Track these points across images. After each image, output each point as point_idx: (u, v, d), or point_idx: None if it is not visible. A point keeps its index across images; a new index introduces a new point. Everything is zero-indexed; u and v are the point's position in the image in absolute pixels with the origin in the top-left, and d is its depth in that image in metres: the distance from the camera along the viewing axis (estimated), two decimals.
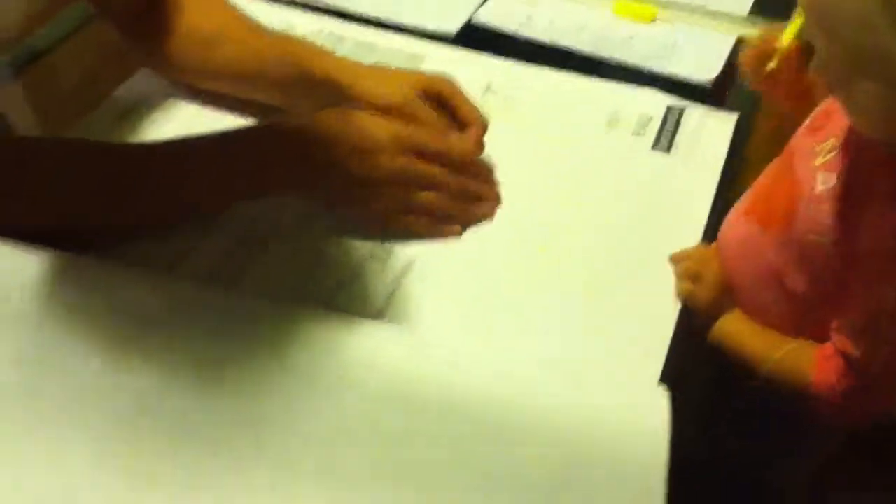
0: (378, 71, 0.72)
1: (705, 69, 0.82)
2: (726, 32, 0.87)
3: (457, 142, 0.66)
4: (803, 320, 0.62)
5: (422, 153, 0.64)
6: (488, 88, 0.80)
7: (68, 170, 0.59)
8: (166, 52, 0.73)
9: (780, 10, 0.88)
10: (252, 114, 0.74)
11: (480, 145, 0.68)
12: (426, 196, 0.64)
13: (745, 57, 0.66)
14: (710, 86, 0.81)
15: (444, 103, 0.69)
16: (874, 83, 0.48)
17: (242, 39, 0.72)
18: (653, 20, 0.88)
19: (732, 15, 0.89)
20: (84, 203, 0.59)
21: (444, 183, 0.65)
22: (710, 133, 0.76)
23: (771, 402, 0.67)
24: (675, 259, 0.65)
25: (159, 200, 0.61)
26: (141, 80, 0.78)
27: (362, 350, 0.54)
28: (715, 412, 0.69)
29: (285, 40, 0.74)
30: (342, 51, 0.82)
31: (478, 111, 0.69)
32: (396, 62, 0.79)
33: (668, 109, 0.78)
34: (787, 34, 0.63)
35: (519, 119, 0.77)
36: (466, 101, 0.70)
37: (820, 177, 0.57)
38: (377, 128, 0.62)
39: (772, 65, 0.63)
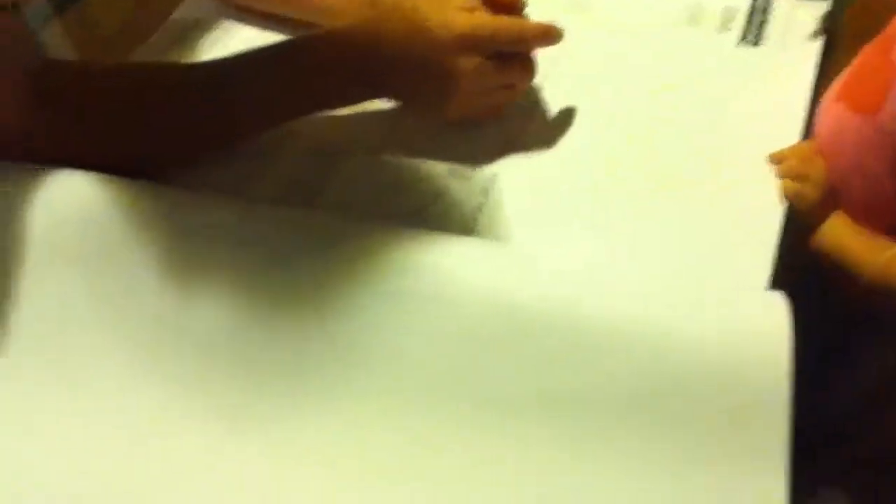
0: None
1: None
2: None
3: (532, 29, 0.60)
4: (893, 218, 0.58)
5: (496, 43, 0.59)
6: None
7: (136, 94, 0.56)
8: None
9: None
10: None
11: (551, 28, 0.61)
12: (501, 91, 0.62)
13: None
14: None
15: None
16: None
17: None
18: None
19: None
20: (157, 126, 0.57)
21: (517, 78, 0.62)
22: (801, 23, 0.71)
23: (872, 311, 0.64)
24: (776, 158, 0.61)
25: (220, 122, 0.59)
26: (195, 4, 0.74)
27: (454, 267, 0.52)
28: (818, 320, 0.66)
29: None
30: None
31: None
32: None
33: (754, 1, 0.73)
34: None
35: (593, 20, 0.73)
36: None
37: None
38: (448, 25, 0.57)
39: None
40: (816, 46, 0.69)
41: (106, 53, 0.72)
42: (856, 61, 0.62)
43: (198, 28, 0.72)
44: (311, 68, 0.58)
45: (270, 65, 0.58)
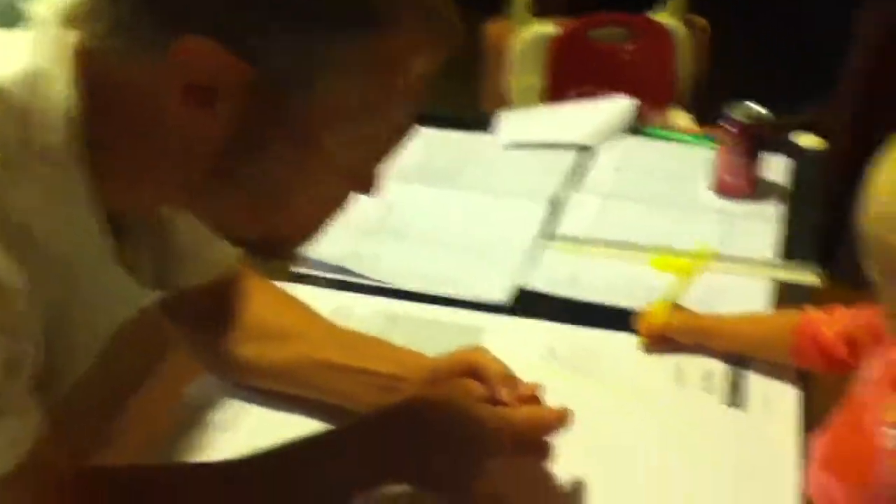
0: (425, 361, 0.72)
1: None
2: (761, 277, 0.91)
3: (552, 419, 0.64)
4: None
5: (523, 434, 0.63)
6: (551, 354, 0.82)
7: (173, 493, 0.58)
8: (234, 349, 0.73)
9: (804, 251, 0.95)
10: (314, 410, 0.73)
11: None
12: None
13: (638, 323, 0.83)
14: None
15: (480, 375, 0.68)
16: None
17: (313, 337, 0.74)
18: (691, 273, 0.91)
19: (764, 260, 0.93)
20: None
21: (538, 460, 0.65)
22: (780, 385, 0.77)
23: None
24: None
25: None
26: (202, 385, 0.77)
27: None
28: None
29: (352, 336, 0.75)
30: (400, 330, 0.84)
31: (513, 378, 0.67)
32: (456, 336, 0.81)
33: (727, 361, 0.80)
34: (657, 312, 0.82)
35: (588, 382, 0.78)
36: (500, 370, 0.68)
37: (891, 433, 0.57)
38: (481, 419, 0.62)
39: (644, 336, 0.82)
40: (796, 412, 0.74)
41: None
42: (832, 429, 0.66)
43: (208, 408, 0.75)
44: (354, 460, 0.61)
45: (314, 457, 0.61)
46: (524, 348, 0.82)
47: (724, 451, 0.71)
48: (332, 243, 0.95)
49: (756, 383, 0.77)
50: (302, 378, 0.73)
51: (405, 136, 0.54)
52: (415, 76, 0.50)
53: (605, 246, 0.97)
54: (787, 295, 0.88)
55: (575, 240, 0.99)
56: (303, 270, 0.93)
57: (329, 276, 0.92)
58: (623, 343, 0.83)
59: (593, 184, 1.10)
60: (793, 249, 0.96)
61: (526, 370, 0.69)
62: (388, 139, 0.53)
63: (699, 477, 0.68)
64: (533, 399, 0.66)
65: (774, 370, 0.78)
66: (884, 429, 0.58)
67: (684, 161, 1.14)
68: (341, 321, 0.78)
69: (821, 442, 0.68)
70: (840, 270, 0.98)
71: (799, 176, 1.09)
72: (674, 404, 0.76)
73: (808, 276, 0.91)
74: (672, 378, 0.79)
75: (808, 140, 1.18)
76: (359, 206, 0.56)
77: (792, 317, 0.78)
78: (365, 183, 0.55)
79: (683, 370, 0.79)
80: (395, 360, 0.72)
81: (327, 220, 0.55)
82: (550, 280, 0.92)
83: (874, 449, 0.59)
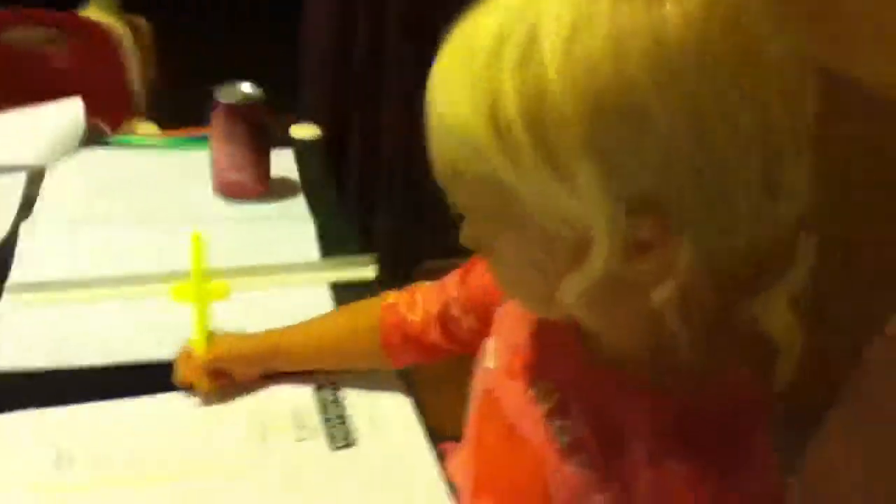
0: None
1: None
2: (314, 282, 0.73)
3: None
4: None
5: None
6: (60, 458, 0.52)
7: None
8: None
9: (343, 246, 0.79)
10: None
11: None
12: None
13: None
14: None
15: None
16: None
17: None
18: (229, 295, 0.69)
19: (310, 263, 0.75)
20: None
21: None
22: (388, 400, 0.59)
23: None
24: None
25: None
26: None
27: None
28: None
29: None
30: None
31: None
32: None
33: (315, 393, 0.59)
34: (194, 354, 0.60)
35: (127, 483, 0.51)
36: None
37: (556, 427, 0.44)
38: None
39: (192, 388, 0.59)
40: (418, 429, 0.58)
41: None
42: (474, 445, 0.52)
43: None
44: None
45: None
46: (10, 463, 0.51)
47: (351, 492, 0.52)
48: None
49: (358, 408, 0.59)
50: None
51: None
52: None
53: (88, 287, 0.68)
54: (349, 295, 0.71)
55: (43, 287, 0.68)
56: None
57: None
58: (163, 408, 0.57)
59: (52, 212, 0.79)
60: (336, 244, 0.80)
61: (23, 499, 0.45)
62: None
63: None
64: None
65: (373, 382, 0.61)
66: (542, 426, 0.44)
67: (172, 168, 0.89)
68: None
69: (466, 461, 0.52)
70: (394, 256, 0.87)
71: (309, 168, 0.94)
72: (266, 471, 0.53)
73: (364, 270, 0.75)
74: (255, 436, 0.56)
75: (305, 131, 1.04)
76: None
77: (372, 307, 0.61)
78: None
79: (266, 420, 0.57)
80: None
81: None
82: (22, 352, 0.61)
83: (535, 453, 0.44)
